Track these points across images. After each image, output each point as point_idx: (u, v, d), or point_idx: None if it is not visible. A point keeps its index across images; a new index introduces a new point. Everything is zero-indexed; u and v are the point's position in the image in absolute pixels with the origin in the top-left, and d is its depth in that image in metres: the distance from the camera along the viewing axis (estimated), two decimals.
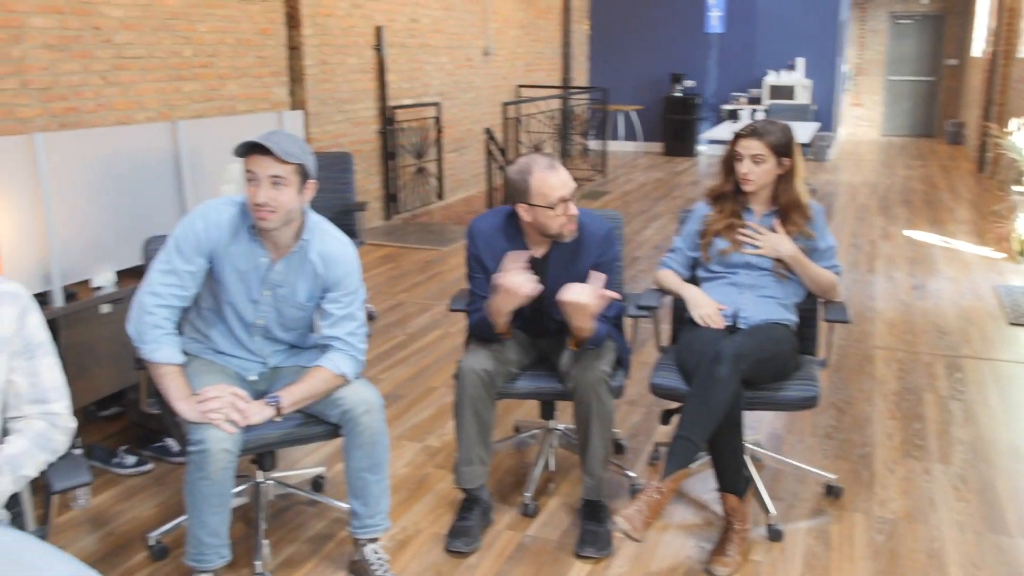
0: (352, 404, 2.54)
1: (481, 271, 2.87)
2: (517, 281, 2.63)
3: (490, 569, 2.74)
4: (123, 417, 3.65)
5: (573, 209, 2.74)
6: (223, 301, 2.59)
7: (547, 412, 3.24)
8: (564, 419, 3.34)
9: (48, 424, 1.88)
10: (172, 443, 3.41)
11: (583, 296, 2.63)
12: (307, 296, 2.62)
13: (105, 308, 3.18)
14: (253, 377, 2.67)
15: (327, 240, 2.60)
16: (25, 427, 1.85)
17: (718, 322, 2.91)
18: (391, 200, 8.16)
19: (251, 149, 2.39)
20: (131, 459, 3.32)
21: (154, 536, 2.80)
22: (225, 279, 2.55)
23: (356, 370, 2.60)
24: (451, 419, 3.74)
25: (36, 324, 1.89)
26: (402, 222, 8.15)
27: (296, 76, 6.85)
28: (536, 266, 2.82)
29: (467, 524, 2.86)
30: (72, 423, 1.93)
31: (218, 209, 2.54)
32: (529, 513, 3.03)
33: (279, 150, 2.36)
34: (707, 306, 2.95)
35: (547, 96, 10.27)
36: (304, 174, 2.47)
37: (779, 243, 2.98)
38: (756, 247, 2.99)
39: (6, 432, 1.86)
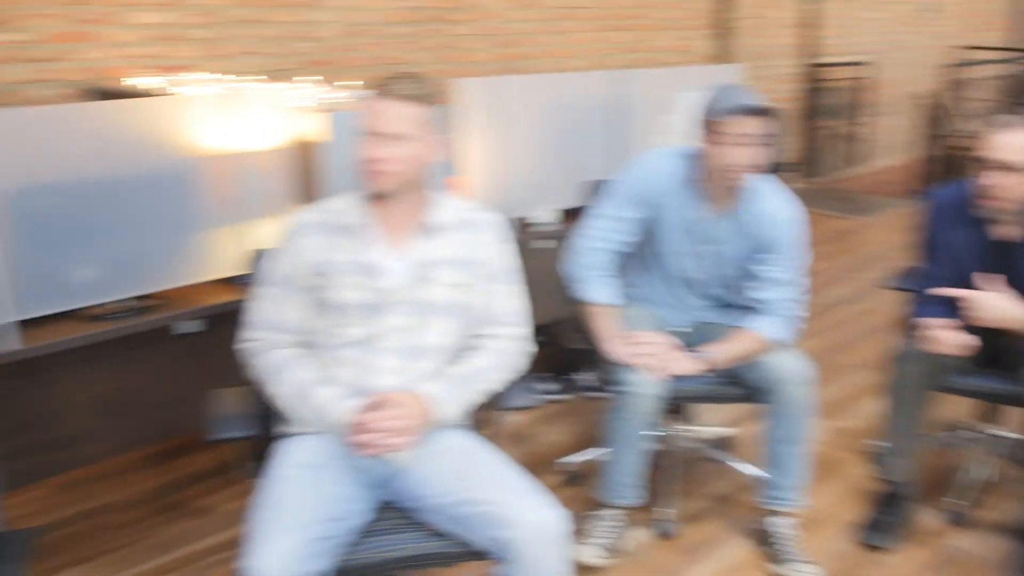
0: (780, 372, 2.44)
1: (934, 250, 2.60)
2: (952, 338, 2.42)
3: (905, 572, 2.52)
4: (545, 347, 3.88)
5: (1001, 179, 2.34)
6: (657, 251, 2.61)
7: (991, 415, 2.88)
8: (1011, 427, 2.95)
9: (510, 345, 2.02)
10: (587, 378, 3.58)
11: (994, 309, 2.31)
12: (744, 254, 2.55)
13: (542, 244, 3.38)
14: (681, 329, 2.67)
15: (772, 200, 2.51)
16: (492, 345, 2.00)
17: None
18: (809, 163, 7.78)
19: (743, 110, 2.33)
20: (551, 387, 3.53)
21: (568, 463, 2.95)
22: (662, 230, 2.56)
23: (789, 337, 2.49)
24: (867, 400, 3.52)
25: (507, 252, 2.03)
26: (819, 187, 7.74)
27: (724, 29, 6.74)
28: (1002, 253, 2.48)
29: (885, 519, 2.65)
30: (530, 347, 2.07)
31: (662, 159, 2.55)
32: (958, 522, 2.73)
33: (767, 110, 2.32)
34: None
35: (1001, 59, 9.07)
36: (771, 134, 2.39)
37: None
38: None
39: (475, 347, 2.03)
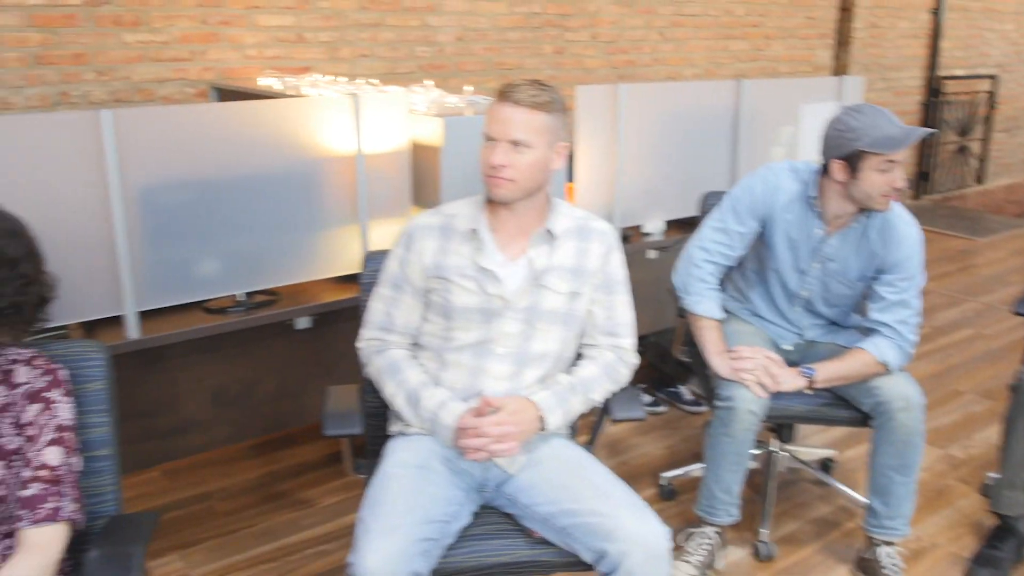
0: (890, 397, 2.37)
1: None
2: None
3: None
4: (642, 357, 3.86)
5: None
6: (769, 266, 2.57)
7: None
8: None
9: (616, 356, 2.02)
10: (684, 391, 3.54)
11: None
12: (858, 274, 2.48)
13: (651, 254, 3.36)
14: (787, 346, 2.62)
15: (891, 218, 2.44)
16: (597, 355, 2.01)
17: None
18: (923, 178, 7.52)
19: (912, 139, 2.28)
20: (647, 398, 3.51)
21: (666, 477, 2.92)
22: (775, 245, 2.52)
23: (901, 361, 2.41)
24: (979, 430, 3.39)
25: (618, 262, 2.03)
26: (932, 204, 7.48)
27: (843, 39, 6.57)
28: None
29: (997, 554, 2.55)
30: (635, 360, 2.06)
31: (778, 174, 2.50)
32: None
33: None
34: None
35: None
36: None
37: None
38: None
39: (582, 357, 2.04)
